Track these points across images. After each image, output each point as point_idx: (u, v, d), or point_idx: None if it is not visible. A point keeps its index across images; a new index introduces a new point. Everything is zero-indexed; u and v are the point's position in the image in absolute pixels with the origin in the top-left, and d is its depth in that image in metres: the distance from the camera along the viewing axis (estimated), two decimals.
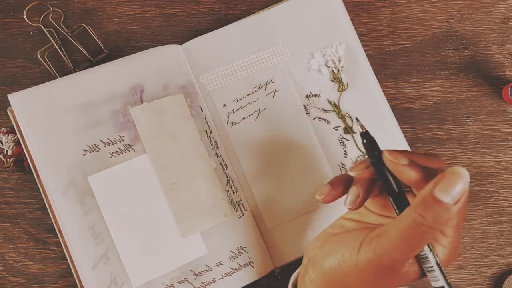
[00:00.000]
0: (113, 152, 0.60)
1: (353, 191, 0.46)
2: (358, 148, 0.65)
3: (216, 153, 0.63)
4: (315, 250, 0.49)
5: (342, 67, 0.65)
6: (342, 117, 0.65)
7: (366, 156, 0.64)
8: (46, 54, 0.65)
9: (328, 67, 0.65)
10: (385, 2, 0.68)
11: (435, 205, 0.39)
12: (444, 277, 0.44)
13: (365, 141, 0.46)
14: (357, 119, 0.47)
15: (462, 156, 0.67)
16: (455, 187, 0.39)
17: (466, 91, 0.68)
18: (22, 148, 0.60)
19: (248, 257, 0.62)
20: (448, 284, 0.44)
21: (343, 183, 0.48)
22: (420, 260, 0.44)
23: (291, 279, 0.54)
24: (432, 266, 0.44)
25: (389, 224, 0.42)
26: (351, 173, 0.48)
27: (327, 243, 0.48)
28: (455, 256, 0.46)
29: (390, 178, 0.45)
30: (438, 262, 0.44)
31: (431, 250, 0.44)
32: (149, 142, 0.60)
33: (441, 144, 0.67)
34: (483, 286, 0.66)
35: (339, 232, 0.49)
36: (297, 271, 0.54)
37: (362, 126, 0.46)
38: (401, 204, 0.45)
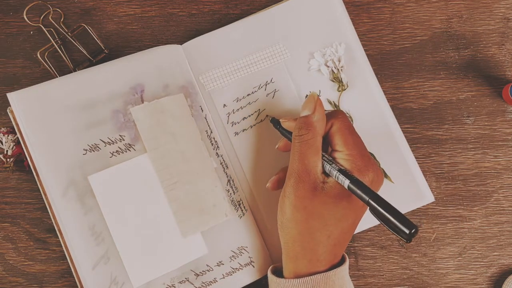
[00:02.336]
0: (113, 152, 0.60)
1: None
2: None
3: (217, 153, 0.63)
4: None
5: (342, 67, 0.65)
6: None
7: None
8: (46, 54, 0.65)
9: (328, 67, 0.65)
10: (385, 2, 0.68)
11: (300, 119, 0.56)
12: (348, 176, 0.52)
13: (277, 125, 0.61)
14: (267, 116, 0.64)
15: (462, 156, 0.67)
16: (308, 104, 0.57)
17: (466, 91, 0.68)
18: (22, 148, 0.60)
19: (249, 257, 0.62)
20: (354, 181, 0.52)
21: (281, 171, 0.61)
22: (328, 175, 0.55)
23: (270, 266, 0.60)
24: (336, 174, 0.53)
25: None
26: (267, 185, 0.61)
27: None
28: (372, 172, 0.55)
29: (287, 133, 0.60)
30: (341, 169, 0.54)
31: (332, 163, 0.54)
32: (149, 141, 0.60)
33: (441, 144, 0.67)
34: (483, 286, 0.66)
35: None
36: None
37: (268, 117, 0.63)
38: None
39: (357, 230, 0.64)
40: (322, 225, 0.54)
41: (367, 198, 0.51)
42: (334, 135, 0.56)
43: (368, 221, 0.63)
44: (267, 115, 0.64)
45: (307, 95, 0.65)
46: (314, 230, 0.54)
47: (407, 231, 0.47)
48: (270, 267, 0.59)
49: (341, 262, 0.57)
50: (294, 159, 0.55)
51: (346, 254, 0.58)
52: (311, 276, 0.54)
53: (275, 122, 0.61)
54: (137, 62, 0.62)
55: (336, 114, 0.57)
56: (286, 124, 0.59)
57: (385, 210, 0.49)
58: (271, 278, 0.57)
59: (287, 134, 0.59)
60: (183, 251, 0.60)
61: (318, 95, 0.57)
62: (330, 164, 0.55)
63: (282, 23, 0.65)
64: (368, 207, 0.51)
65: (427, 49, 0.68)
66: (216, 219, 0.61)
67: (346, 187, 0.53)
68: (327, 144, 0.58)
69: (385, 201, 0.50)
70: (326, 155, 0.56)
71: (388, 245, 0.66)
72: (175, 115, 0.61)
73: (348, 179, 0.52)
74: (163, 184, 0.60)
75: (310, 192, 0.54)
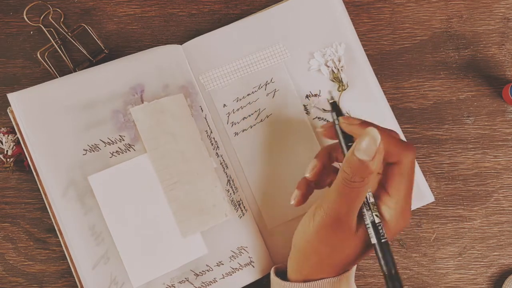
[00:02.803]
0: (113, 152, 0.60)
1: (312, 162, 0.55)
2: None
3: (216, 153, 0.63)
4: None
5: (342, 67, 0.65)
6: None
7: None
8: (46, 54, 0.65)
9: (328, 67, 0.65)
10: (385, 2, 0.68)
11: (356, 162, 0.47)
12: (378, 236, 0.49)
13: (333, 111, 0.53)
14: (329, 92, 0.54)
15: (462, 156, 0.67)
16: (367, 146, 0.47)
17: (466, 91, 0.68)
18: (22, 148, 0.60)
19: (249, 257, 0.62)
20: (381, 243, 0.49)
21: (306, 184, 0.56)
22: (362, 218, 0.50)
23: (272, 267, 0.59)
24: (368, 224, 0.50)
25: (330, 188, 0.50)
26: (306, 175, 0.55)
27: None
28: (403, 223, 0.51)
29: (341, 138, 0.52)
30: (375, 221, 0.49)
31: (369, 209, 0.49)
32: (149, 141, 0.60)
33: (441, 144, 0.67)
34: (483, 286, 0.66)
35: None
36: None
37: (331, 98, 0.53)
38: None
39: None
40: (342, 259, 0.52)
41: (385, 270, 0.49)
42: (395, 175, 0.50)
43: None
44: (329, 91, 0.55)
45: (307, 95, 0.65)
46: (332, 261, 0.52)
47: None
48: (273, 268, 0.58)
49: None
50: (337, 199, 0.49)
51: None
52: (317, 281, 0.53)
53: (336, 109, 0.52)
54: (137, 62, 0.62)
55: (409, 150, 0.50)
56: (348, 128, 0.50)
57: (389, 280, 0.49)
58: (275, 280, 0.57)
59: (340, 132, 0.52)
60: (183, 251, 0.60)
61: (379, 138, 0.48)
62: (367, 210, 0.50)
63: (282, 23, 0.65)
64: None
65: (427, 49, 0.68)
66: (216, 219, 0.61)
67: (373, 245, 0.50)
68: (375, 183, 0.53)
69: (398, 279, 0.49)
70: (368, 202, 0.50)
71: None
72: (175, 115, 0.61)
73: (376, 239, 0.49)
74: (163, 184, 0.60)
75: (342, 234, 0.50)
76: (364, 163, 0.47)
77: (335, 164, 0.57)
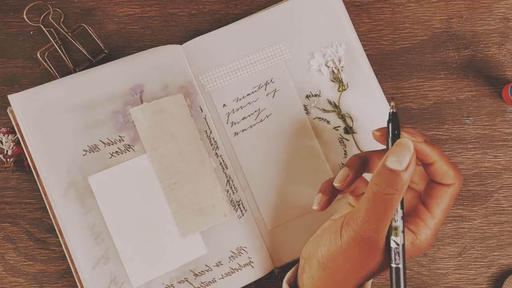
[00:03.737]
0: (113, 152, 0.60)
1: (343, 171, 0.52)
2: (358, 148, 0.65)
3: (216, 153, 0.63)
4: (308, 249, 0.54)
5: (342, 67, 0.65)
6: (342, 117, 0.65)
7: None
8: (46, 54, 0.65)
9: (328, 67, 0.65)
10: (385, 2, 0.68)
11: (387, 173, 0.45)
12: (402, 260, 0.47)
13: (391, 121, 0.49)
14: (392, 99, 0.50)
15: (462, 156, 0.67)
16: (403, 156, 0.44)
17: (466, 91, 0.68)
18: (22, 148, 0.60)
19: (248, 257, 0.62)
20: (398, 269, 0.47)
21: (331, 189, 0.53)
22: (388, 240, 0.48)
23: (285, 278, 0.56)
24: (392, 247, 0.47)
25: (359, 203, 0.48)
26: (336, 184, 0.52)
27: (317, 239, 0.53)
28: (429, 245, 0.49)
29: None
30: (397, 242, 0.47)
31: (395, 234, 0.47)
32: (148, 142, 0.60)
33: (441, 144, 0.67)
34: (483, 286, 0.66)
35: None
36: (291, 270, 0.57)
37: (393, 107, 0.49)
38: None
39: None
40: (363, 274, 0.50)
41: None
42: (444, 196, 0.48)
43: None
44: (392, 98, 0.50)
45: (307, 96, 0.65)
46: (353, 277, 0.50)
47: None
48: (286, 282, 0.56)
49: None
50: (367, 215, 0.46)
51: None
52: None
53: (395, 121, 0.49)
54: (137, 62, 0.62)
55: (461, 176, 0.49)
56: (424, 150, 0.47)
57: None
58: None
59: (391, 144, 0.48)
60: (182, 251, 0.60)
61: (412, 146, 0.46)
62: (395, 237, 0.47)
63: (282, 23, 0.65)
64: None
65: (427, 49, 0.68)
66: (215, 219, 0.61)
67: (390, 267, 0.48)
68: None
69: None
70: (402, 220, 0.47)
71: None
72: (175, 116, 0.61)
73: (395, 265, 0.47)
74: (162, 185, 0.60)
75: (369, 252, 0.47)
76: (396, 173, 0.45)
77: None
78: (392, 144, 0.47)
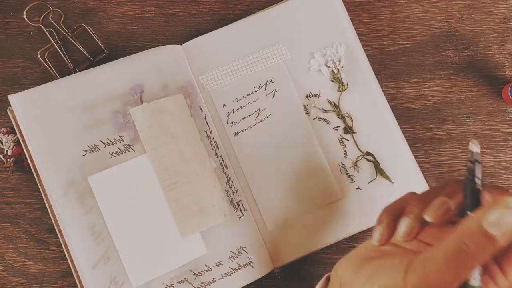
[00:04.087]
0: (113, 152, 0.60)
1: (378, 230, 0.46)
2: (358, 148, 0.65)
3: (216, 153, 0.63)
4: (349, 275, 0.46)
5: (342, 67, 0.65)
6: (342, 117, 0.65)
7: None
8: (46, 54, 0.65)
9: (328, 67, 0.65)
10: (385, 2, 0.68)
11: (481, 236, 0.38)
12: None
13: (473, 183, 0.42)
14: (475, 151, 0.42)
15: (462, 156, 0.67)
16: (505, 221, 0.37)
17: (466, 91, 0.68)
18: (22, 148, 0.60)
19: (248, 257, 0.62)
20: None
21: (393, 220, 0.47)
22: None
23: None
24: None
25: (433, 250, 0.40)
26: (428, 218, 0.44)
27: (364, 269, 0.45)
28: None
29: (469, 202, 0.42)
30: None
31: None
32: (148, 142, 0.60)
33: (441, 144, 0.67)
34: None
35: (376, 256, 0.46)
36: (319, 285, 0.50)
37: (474, 154, 0.42)
38: None
39: (357, 231, 0.64)
40: None
41: None
42: None
43: (368, 221, 0.63)
44: (474, 142, 0.42)
45: (307, 96, 0.65)
46: None
47: None
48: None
49: None
50: (442, 269, 0.39)
51: None
52: None
53: (472, 185, 0.42)
54: (137, 63, 0.62)
55: None
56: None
57: None
58: None
59: (470, 195, 0.42)
60: (182, 251, 0.60)
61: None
62: None
63: (282, 23, 0.65)
64: None
65: (427, 49, 0.68)
66: (215, 219, 0.61)
67: None
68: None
69: None
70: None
71: None
72: (175, 116, 0.61)
73: None
74: (162, 185, 0.60)
75: None
76: (492, 238, 0.37)
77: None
78: (470, 195, 0.42)
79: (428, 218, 0.43)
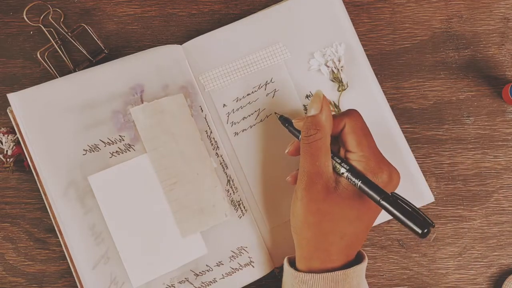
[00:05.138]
0: (113, 152, 0.60)
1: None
2: None
3: (216, 153, 0.63)
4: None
5: (342, 67, 0.65)
6: None
7: None
8: (46, 54, 0.65)
9: (328, 67, 0.65)
10: (385, 2, 0.68)
11: (308, 119, 0.54)
12: (358, 176, 0.52)
13: (281, 120, 0.61)
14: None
15: (462, 156, 0.67)
16: (313, 103, 0.55)
17: (466, 91, 0.68)
18: (22, 148, 0.60)
19: (249, 257, 0.62)
20: (364, 181, 0.52)
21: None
22: (339, 173, 0.54)
23: (285, 258, 0.59)
24: (346, 175, 0.53)
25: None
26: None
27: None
28: (387, 175, 0.54)
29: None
30: (346, 168, 0.54)
31: (340, 162, 0.54)
32: (149, 142, 0.60)
33: (441, 144, 0.67)
34: (483, 286, 0.66)
35: None
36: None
37: (277, 114, 0.62)
38: None
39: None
40: (335, 226, 0.53)
41: (378, 198, 0.51)
42: (347, 135, 0.55)
43: None
44: (275, 112, 0.64)
45: (307, 95, 0.65)
46: (327, 232, 0.53)
47: (419, 231, 0.48)
48: (286, 258, 0.58)
49: (359, 260, 0.56)
50: (304, 161, 0.54)
51: (365, 253, 0.57)
52: (331, 272, 0.53)
53: (285, 121, 0.60)
54: (137, 62, 0.62)
55: (350, 114, 0.56)
56: (299, 125, 0.56)
57: (397, 210, 0.50)
58: (288, 270, 0.57)
59: (297, 134, 0.58)
60: (182, 251, 0.60)
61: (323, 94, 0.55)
62: (340, 164, 0.54)
63: (282, 23, 0.65)
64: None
65: (427, 49, 0.68)
66: (215, 219, 0.61)
67: (357, 187, 0.52)
68: (338, 143, 0.57)
69: (397, 200, 0.50)
70: (336, 155, 0.55)
71: (388, 245, 0.66)
72: (175, 115, 0.61)
73: (359, 179, 0.52)
74: (162, 184, 0.60)
75: (322, 194, 0.53)
76: (314, 117, 0.54)
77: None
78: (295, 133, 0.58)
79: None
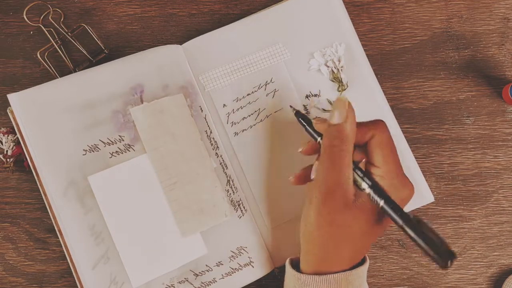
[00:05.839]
0: (113, 152, 0.60)
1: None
2: None
3: (216, 153, 0.63)
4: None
5: (342, 67, 0.65)
6: None
7: None
8: (46, 54, 0.65)
9: (328, 67, 0.65)
10: (385, 2, 0.68)
11: (332, 128, 0.51)
12: (381, 195, 0.50)
13: (300, 119, 0.57)
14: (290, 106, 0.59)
15: (462, 156, 0.67)
16: (338, 110, 0.51)
17: (466, 91, 0.68)
18: (22, 148, 0.60)
19: (248, 257, 0.62)
20: (388, 201, 0.49)
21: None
22: (360, 189, 0.51)
23: (288, 259, 0.58)
24: (368, 190, 0.50)
25: (317, 166, 0.53)
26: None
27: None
28: (406, 190, 0.52)
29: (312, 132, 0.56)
30: (369, 184, 0.51)
31: (360, 176, 0.51)
32: (149, 142, 0.60)
33: (441, 144, 0.67)
34: (483, 286, 0.66)
35: None
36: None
37: (293, 108, 0.58)
38: None
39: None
40: (348, 238, 0.52)
41: (400, 222, 0.48)
42: (374, 148, 0.52)
43: None
44: (290, 106, 0.60)
45: (307, 95, 0.65)
46: (339, 243, 0.52)
47: (443, 264, 0.45)
48: (288, 260, 0.57)
49: (360, 261, 0.55)
50: (324, 169, 0.51)
51: (367, 255, 0.57)
52: (334, 274, 0.53)
53: (303, 118, 0.57)
54: (137, 62, 0.62)
55: (378, 125, 0.53)
56: (319, 126, 0.54)
57: (419, 237, 0.47)
58: (291, 272, 0.56)
59: (315, 136, 0.55)
60: (182, 251, 0.60)
61: (348, 100, 0.52)
62: (362, 179, 0.51)
63: (282, 23, 0.65)
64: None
65: (427, 49, 0.68)
66: (215, 219, 0.61)
67: (379, 207, 0.50)
68: (360, 153, 0.55)
69: (419, 226, 0.48)
70: (358, 168, 0.52)
71: (388, 245, 0.66)
72: (175, 116, 0.61)
73: (383, 199, 0.50)
74: (162, 185, 0.60)
75: (340, 206, 0.50)
76: (339, 127, 0.51)
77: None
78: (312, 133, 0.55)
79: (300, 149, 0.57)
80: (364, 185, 0.51)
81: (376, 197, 0.50)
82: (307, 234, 0.53)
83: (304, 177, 0.57)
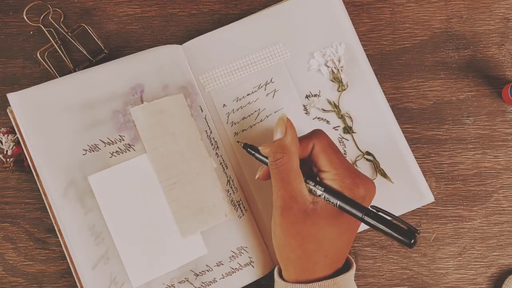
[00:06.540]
0: (113, 152, 0.60)
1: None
2: (358, 147, 0.65)
3: (216, 153, 0.63)
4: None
5: (342, 67, 0.65)
6: (341, 117, 0.65)
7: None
8: (46, 54, 0.65)
9: (328, 67, 0.65)
10: (385, 2, 0.68)
11: (274, 143, 0.54)
12: (336, 196, 0.53)
13: (248, 149, 0.59)
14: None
15: (462, 156, 0.67)
16: (278, 127, 0.54)
17: (466, 91, 0.68)
18: (22, 148, 0.60)
19: (249, 257, 0.62)
20: (343, 200, 0.53)
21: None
22: (316, 195, 0.54)
23: (276, 267, 0.59)
24: (321, 194, 0.54)
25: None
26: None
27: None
28: (364, 189, 0.54)
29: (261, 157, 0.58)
30: (321, 189, 0.54)
31: (314, 185, 0.54)
32: (149, 141, 0.60)
33: (441, 144, 0.67)
34: (483, 286, 0.66)
35: None
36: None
37: (240, 142, 0.61)
38: None
39: (357, 230, 0.64)
40: (318, 246, 0.54)
41: (360, 215, 0.51)
42: (318, 155, 0.55)
43: None
44: (238, 141, 0.63)
45: (307, 96, 0.65)
46: (311, 252, 0.54)
47: (408, 241, 0.49)
48: (276, 268, 0.59)
49: (348, 267, 0.57)
50: (276, 186, 0.54)
51: (353, 260, 0.58)
52: (320, 282, 0.54)
53: (251, 148, 0.59)
54: (137, 62, 0.62)
55: (316, 134, 0.56)
56: (266, 151, 0.55)
57: (380, 223, 0.50)
58: (279, 281, 0.57)
59: (266, 161, 0.57)
60: (182, 251, 0.60)
61: (287, 117, 0.55)
62: (315, 187, 0.54)
63: (282, 23, 0.65)
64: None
65: (427, 49, 0.68)
66: (215, 219, 0.61)
67: (337, 207, 0.53)
68: (310, 165, 0.57)
69: (379, 214, 0.51)
70: (310, 178, 0.55)
71: (388, 245, 0.66)
72: (175, 115, 0.61)
73: (338, 199, 0.53)
74: (162, 184, 0.60)
75: (301, 217, 0.53)
76: (280, 141, 0.54)
77: None
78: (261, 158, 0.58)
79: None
80: (319, 192, 0.54)
81: (332, 199, 0.53)
82: (279, 249, 0.56)
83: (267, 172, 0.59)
